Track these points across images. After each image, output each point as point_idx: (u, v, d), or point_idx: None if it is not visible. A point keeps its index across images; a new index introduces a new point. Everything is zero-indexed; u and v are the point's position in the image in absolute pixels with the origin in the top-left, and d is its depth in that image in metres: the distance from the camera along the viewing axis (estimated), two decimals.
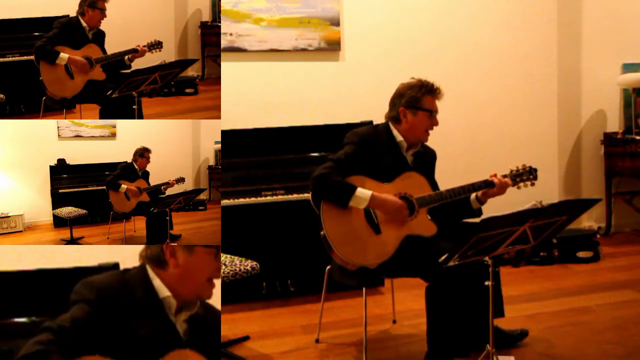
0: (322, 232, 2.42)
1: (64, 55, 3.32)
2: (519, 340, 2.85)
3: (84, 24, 3.46)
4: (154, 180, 4.84)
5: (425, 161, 2.73)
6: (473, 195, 2.59)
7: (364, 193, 2.41)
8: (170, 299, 1.59)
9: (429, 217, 2.53)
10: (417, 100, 2.59)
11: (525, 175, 2.57)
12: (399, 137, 2.64)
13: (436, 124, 2.63)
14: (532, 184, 2.57)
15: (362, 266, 2.44)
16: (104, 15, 3.49)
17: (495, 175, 2.54)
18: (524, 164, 2.59)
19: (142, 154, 4.77)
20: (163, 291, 1.58)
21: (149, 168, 4.86)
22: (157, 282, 1.59)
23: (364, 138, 2.60)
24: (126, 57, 3.47)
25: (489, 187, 2.53)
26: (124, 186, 4.55)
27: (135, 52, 3.42)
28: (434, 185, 2.69)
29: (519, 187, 2.58)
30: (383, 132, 2.66)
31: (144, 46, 3.43)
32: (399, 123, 2.64)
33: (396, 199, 2.46)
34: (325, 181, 2.43)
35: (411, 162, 2.66)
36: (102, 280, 1.56)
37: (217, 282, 1.67)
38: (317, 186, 2.45)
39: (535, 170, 2.59)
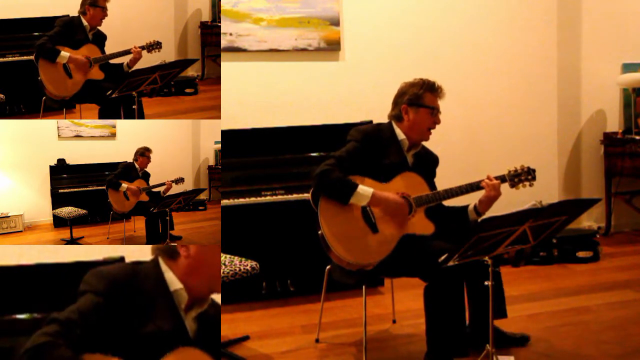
0: (319, 232, 2.43)
1: (64, 54, 3.32)
2: (519, 345, 2.83)
3: (85, 24, 3.46)
4: (154, 181, 4.84)
5: (426, 164, 2.74)
6: (471, 206, 2.60)
7: (365, 190, 2.42)
8: (182, 291, 1.55)
9: (427, 217, 2.53)
10: (418, 97, 2.61)
11: (524, 175, 2.56)
12: (401, 136, 2.65)
13: (438, 122, 2.65)
14: (531, 185, 2.55)
15: (359, 266, 2.45)
16: (105, 14, 3.48)
17: (488, 178, 2.54)
18: (522, 165, 2.58)
19: (143, 153, 4.78)
20: (174, 284, 1.55)
21: (149, 168, 4.86)
22: (169, 275, 1.56)
23: (367, 135, 2.62)
24: (125, 63, 3.47)
25: (481, 190, 2.53)
26: (124, 185, 4.54)
27: (128, 54, 3.41)
28: (432, 188, 2.68)
29: (517, 188, 2.57)
30: (386, 130, 2.67)
31: (141, 47, 3.42)
32: (401, 121, 2.65)
33: (397, 196, 2.48)
34: (327, 177, 2.44)
35: (411, 163, 2.67)
36: (112, 271, 1.52)
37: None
38: (319, 182, 2.47)
39: (534, 170, 2.57)
